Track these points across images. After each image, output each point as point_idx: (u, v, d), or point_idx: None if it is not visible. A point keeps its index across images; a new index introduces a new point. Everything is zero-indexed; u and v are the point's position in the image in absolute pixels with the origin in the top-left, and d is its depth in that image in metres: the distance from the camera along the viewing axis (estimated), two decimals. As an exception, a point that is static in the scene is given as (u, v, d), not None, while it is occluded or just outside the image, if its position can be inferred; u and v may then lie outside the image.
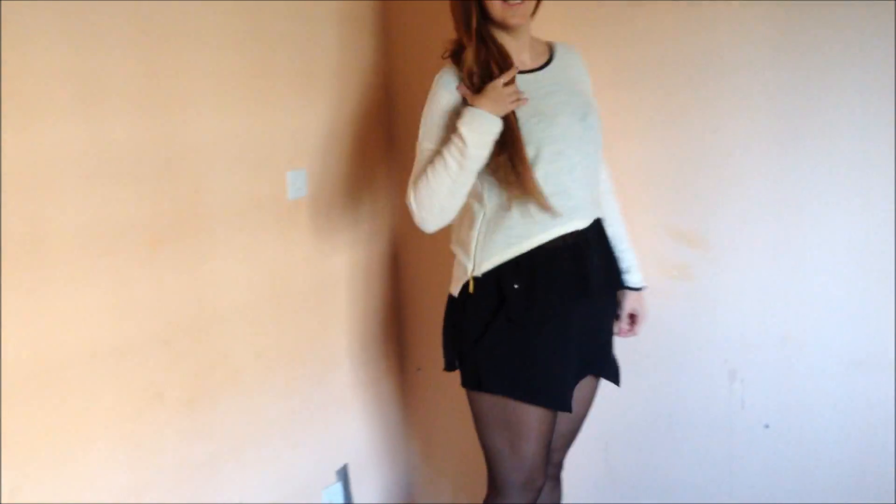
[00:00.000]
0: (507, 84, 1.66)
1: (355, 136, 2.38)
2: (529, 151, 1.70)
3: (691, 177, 2.07)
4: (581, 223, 1.76)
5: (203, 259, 1.94)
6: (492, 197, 1.75)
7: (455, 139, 1.66)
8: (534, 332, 1.74)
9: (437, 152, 1.70)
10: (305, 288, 2.25)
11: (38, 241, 1.59)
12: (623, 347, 2.00)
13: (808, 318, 1.99)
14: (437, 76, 1.76)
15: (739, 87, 1.96)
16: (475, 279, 1.77)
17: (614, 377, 1.96)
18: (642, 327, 2.01)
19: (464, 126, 1.64)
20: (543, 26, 1.88)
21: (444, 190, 1.70)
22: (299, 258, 2.22)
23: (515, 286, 1.73)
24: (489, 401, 1.79)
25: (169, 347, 1.88)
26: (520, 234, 1.72)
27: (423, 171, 1.72)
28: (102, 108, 1.69)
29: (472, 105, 1.66)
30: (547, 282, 1.73)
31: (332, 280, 2.36)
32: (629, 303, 1.98)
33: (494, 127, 1.65)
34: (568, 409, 1.78)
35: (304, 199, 2.20)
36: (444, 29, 2.33)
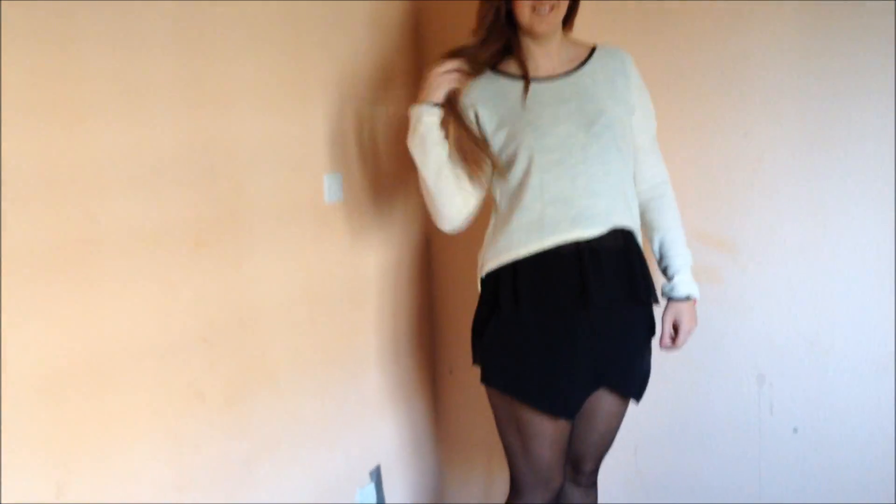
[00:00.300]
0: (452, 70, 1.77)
1: (389, 140, 2.42)
2: (523, 160, 1.74)
3: (721, 181, 2.09)
4: (587, 232, 1.74)
5: (242, 260, 1.98)
6: (502, 202, 1.82)
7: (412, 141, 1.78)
8: (528, 336, 1.77)
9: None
10: (340, 290, 2.29)
11: (89, 242, 1.64)
12: (654, 351, 2.02)
13: (837, 322, 2.01)
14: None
15: (768, 92, 1.98)
16: (481, 279, 1.86)
17: (634, 392, 1.90)
18: (685, 339, 1.91)
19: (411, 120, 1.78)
20: (576, 32, 1.91)
21: (428, 188, 1.83)
22: (334, 260, 2.26)
23: (509, 287, 1.77)
24: (499, 398, 1.84)
25: (209, 347, 1.92)
26: (518, 239, 1.76)
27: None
28: (148, 112, 1.74)
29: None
30: (542, 286, 1.75)
31: (365, 282, 2.40)
32: (669, 313, 1.90)
33: (423, 115, 1.77)
34: (567, 416, 1.79)
35: (340, 202, 2.25)
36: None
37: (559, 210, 1.73)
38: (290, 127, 2.08)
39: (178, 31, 1.79)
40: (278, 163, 2.05)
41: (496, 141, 1.80)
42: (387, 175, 2.43)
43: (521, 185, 1.76)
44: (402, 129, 2.43)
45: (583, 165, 1.74)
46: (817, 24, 1.90)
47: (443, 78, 1.76)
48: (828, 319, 2.02)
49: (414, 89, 2.47)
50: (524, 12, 1.72)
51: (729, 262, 2.11)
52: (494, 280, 1.82)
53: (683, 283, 1.87)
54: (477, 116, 1.82)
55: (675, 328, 1.91)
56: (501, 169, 1.80)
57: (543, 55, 1.81)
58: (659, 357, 2.04)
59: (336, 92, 2.21)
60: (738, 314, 2.13)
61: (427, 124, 1.75)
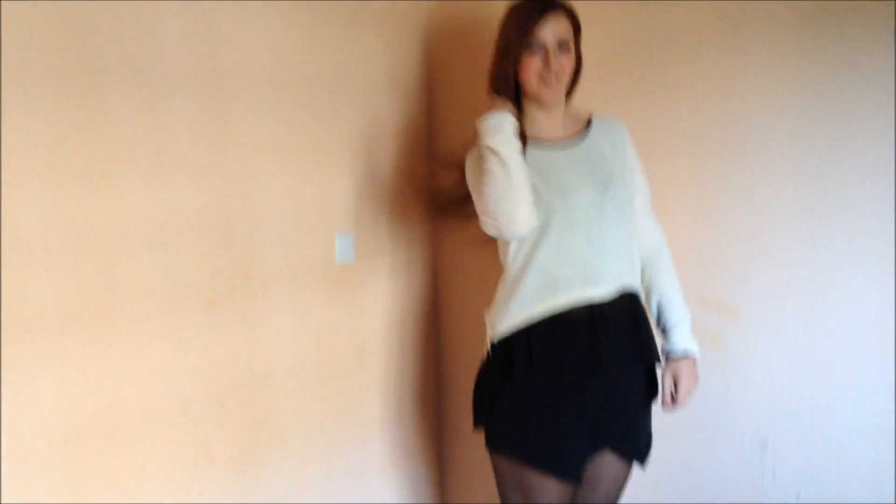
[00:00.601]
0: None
1: (402, 203, 2.48)
2: (541, 218, 1.77)
3: (722, 245, 2.14)
4: (598, 293, 1.78)
5: (255, 320, 2.02)
6: (516, 261, 1.83)
7: (486, 153, 1.74)
8: (540, 401, 1.78)
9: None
10: (349, 350, 2.32)
11: (107, 302, 1.69)
12: (655, 415, 2.04)
13: (838, 388, 2.03)
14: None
15: (768, 157, 2.04)
16: (492, 342, 1.86)
17: (638, 454, 1.92)
18: (686, 398, 1.93)
19: (482, 131, 1.75)
20: (581, 97, 1.98)
21: (513, 184, 1.71)
22: (345, 320, 2.30)
23: (524, 351, 1.78)
24: (505, 463, 1.84)
25: (220, 406, 1.95)
26: (532, 299, 1.78)
27: (481, 195, 1.77)
28: (169, 175, 1.81)
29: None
30: (556, 351, 1.77)
31: (374, 342, 2.43)
32: (668, 371, 1.93)
33: (508, 116, 1.74)
34: (575, 479, 1.80)
35: (352, 262, 2.30)
36: (483, 96, 2.46)
37: (574, 270, 1.77)
38: (305, 187, 2.14)
39: (199, 95, 1.87)
40: (292, 223, 2.11)
41: None
42: (399, 237, 2.49)
43: (538, 244, 1.79)
44: (413, 192, 2.52)
45: (597, 227, 1.79)
46: (816, 88, 1.96)
47: (505, 105, 1.79)
48: (829, 385, 2.04)
49: (424, 149, 2.56)
50: (531, 80, 1.80)
51: (731, 327, 2.14)
52: (507, 344, 1.82)
53: (681, 340, 1.92)
54: None
55: (676, 386, 1.93)
56: None
57: (549, 120, 1.88)
58: (663, 420, 2.06)
59: (350, 154, 2.28)
60: (741, 378, 2.15)
61: (513, 123, 1.74)
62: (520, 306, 1.80)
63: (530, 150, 1.80)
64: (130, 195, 1.72)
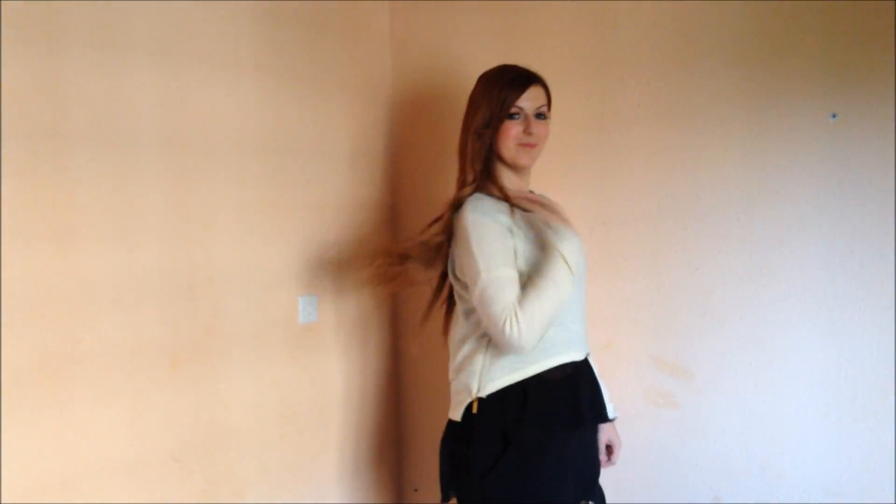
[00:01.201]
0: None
1: (364, 265, 2.52)
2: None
3: (675, 311, 2.20)
4: (577, 355, 1.85)
5: (217, 379, 2.04)
6: None
7: (561, 263, 1.70)
8: (539, 461, 1.77)
9: (542, 276, 1.70)
10: (310, 408, 2.34)
11: (71, 361, 1.72)
12: (612, 472, 2.08)
13: (787, 448, 2.08)
14: (469, 207, 1.79)
15: (716, 229, 2.11)
16: (479, 400, 1.79)
17: None
18: (619, 457, 2.06)
19: (568, 253, 1.71)
20: (543, 172, 2.06)
21: (553, 309, 1.71)
22: (306, 379, 2.32)
23: (516, 411, 1.76)
24: None
25: (179, 464, 1.96)
26: (523, 359, 1.77)
27: (530, 298, 1.69)
28: (133, 237, 1.85)
29: (567, 229, 1.75)
30: (545, 409, 1.78)
31: (335, 400, 2.45)
32: (605, 434, 2.03)
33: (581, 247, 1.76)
34: None
35: (315, 323, 2.33)
36: (447, 165, 2.52)
37: (558, 333, 1.80)
38: (269, 250, 2.18)
39: (166, 159, 1.92)
40: (255, 284, 2.14)
41: (519, 264, 1.77)
42: (361, 299, 2.53)
43: None
44: (375, 255, 2.56)
45: (576, 293, 1.84)
46: (762, 161, 2.04)
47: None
48: (779, 445, 2.09)
49: (387, 217, 2.61)
50: (510, 146, 1.84)
51: (684, 388, 2.20)
52: (499, 402, 1.79)
53: (611, 405, 1.98)
54: (513, 234, 1.78)
55: (608, 448, 2.04)
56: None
57: (521, 186, 1.92)
58: (619, 477, 2.11)
59: (314, 217, 2.33)
60: (694, 438, 2.20)
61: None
62: (511, 366, 1.78)
63: (515, 212, 1.82)
64: (95, 256, 1.76)
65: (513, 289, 1.71)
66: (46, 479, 1.68)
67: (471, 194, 1.85)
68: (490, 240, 1.74)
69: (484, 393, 1.80)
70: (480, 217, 1.76)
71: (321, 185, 2.35)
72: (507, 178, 1.89)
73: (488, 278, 1.71)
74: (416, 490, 2.73)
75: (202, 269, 2.00)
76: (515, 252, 1.76)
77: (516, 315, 1.67)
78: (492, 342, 1.79)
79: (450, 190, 2.46)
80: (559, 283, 1.71)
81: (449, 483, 1.89)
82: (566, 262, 1.71)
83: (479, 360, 1.82)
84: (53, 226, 1.67)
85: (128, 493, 1.84)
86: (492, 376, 1.79)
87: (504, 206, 1.81)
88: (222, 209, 2.05)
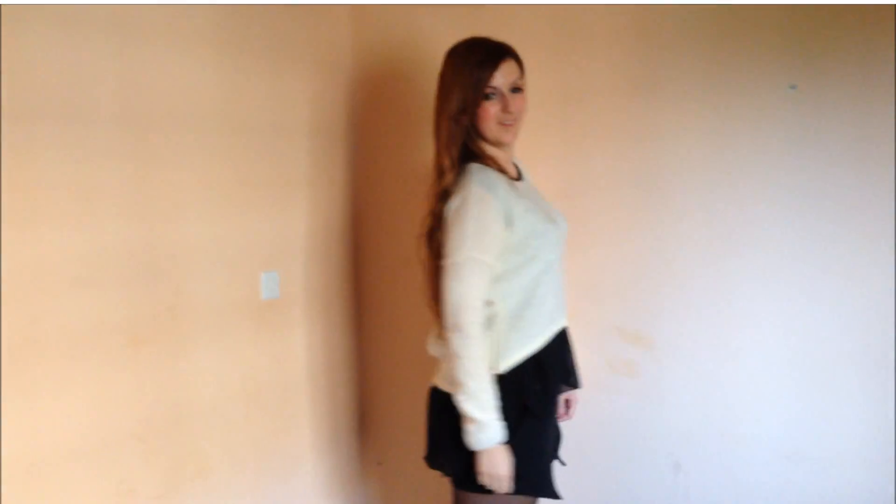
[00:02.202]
0: None
1: (326, 241, 2.51)
2: (549, 255, 1.81)
3: (636, 280, 2.23)
4: (565, 321, 1.91)
5: (179, 357, 2.02)
6: (508, 299, 1.77)
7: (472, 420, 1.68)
8: (547, 424, 1.85)
9: (480, 389, 1.68)
10: (273, 385, 2.33)
11: (32, 341, 1.67)
12: (575, 440, 2.11)
13: (745, 412, 2.14)
14: (475, 178, 1.75)
15: (677, 198, 2.14)
16: (499, 377, 1.75)
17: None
18: (576, 410, 2.11)
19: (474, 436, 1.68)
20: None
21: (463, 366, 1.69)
22: (269, 356, 2.30)
23: (535, 382, 1.78)
24: (486, 500, 1.77)
25: (143, 444, 1.93)
26: (533, 332, 1.79)
27: (476, 366, 1.68)
28: (95, 216, 1.80)
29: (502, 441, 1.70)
30: (553, 376, 1.84)
31: (299, 377, 2.44)
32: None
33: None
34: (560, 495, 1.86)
35: (277, 299, 2.31)
36: (408, 141, 2.52)
37: (555, 301, 1.85)
38: (230, 227, 2.15)
39: (124, 135, 1.87)
40: (217, 262, 2.11)
41: (516, 235, 1.76)
42: (323, 273, 2.52)
43: (539, 278, 1.80)
44: (337, 230, 2.55)
45: (559, 259, 1.89)
46: (721, 133, 2.08)
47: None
48: (738, 410, 2.14)
49: (349, 193, 2.59)
50: (491, 127, 1.80)
51: (646, 357, 2.23)
52: (517, 375, 1.76)
53: None
54: (511, 211, 1.75)
55: (567, 402, 2.10)
56: (512, 269, 1.78)
57: (506, 161, 1.89)
58: (581, 443, 2.15)
59: (274, 195, 2.30)
60: (655, 404, 2.24)
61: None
62: (522, 341, 1.78)
63: (512, 183, 1.81)
64: (54, 234, 1.71)
65: (482, 282, 1.71)
66: (9, 464, 1.64)
67: (454, 182, 1.78)
68: (487, 221, 1.72)
69: (503, 369, 1.76)
70: (485, 192, 1.73)
71: (282, 161, 2.32)
72: (493, 154, 1.85)
73: (471, 254, 1.70)
74: (379, 464, 2.74)
75: (163, 247, 1.96)
76: (513, 226, 1.74)
77: (465, 330, 1.68)
78: (500, 319, 1.76)
79: (413, 165, 2.47)
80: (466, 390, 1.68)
81: (448, 453, 1.82)
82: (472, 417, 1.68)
83: (490, 337, 1.76)
84: (10, 205, 1.62)
85: (92, 474, 1.82)
86: (506, 353, 1.76)
87: (502, 177, 1.80)
88: (182, 186, 2.01)
